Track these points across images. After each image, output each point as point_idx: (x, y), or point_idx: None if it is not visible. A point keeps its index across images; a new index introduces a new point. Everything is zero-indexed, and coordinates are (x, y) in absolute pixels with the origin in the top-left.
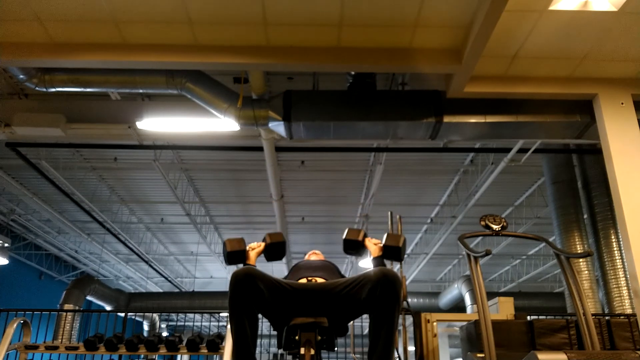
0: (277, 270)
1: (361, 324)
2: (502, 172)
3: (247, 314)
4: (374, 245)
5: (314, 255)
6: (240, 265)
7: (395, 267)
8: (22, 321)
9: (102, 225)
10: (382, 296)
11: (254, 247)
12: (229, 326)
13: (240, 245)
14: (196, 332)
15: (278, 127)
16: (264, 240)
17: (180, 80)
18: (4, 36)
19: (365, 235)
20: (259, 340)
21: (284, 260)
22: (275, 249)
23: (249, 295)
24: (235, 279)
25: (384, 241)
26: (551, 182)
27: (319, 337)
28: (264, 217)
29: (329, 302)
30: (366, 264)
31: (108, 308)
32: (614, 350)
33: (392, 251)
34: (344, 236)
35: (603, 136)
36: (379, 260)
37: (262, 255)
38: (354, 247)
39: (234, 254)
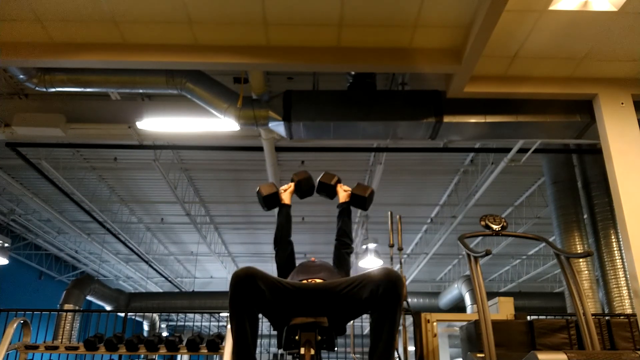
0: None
1: (361, 324)
2: (502, 172)
3: (247, 314)
4: (343, 192)
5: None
6: (240, 267)
7: (396, 267)
8: (22, 321)
9: (102, 225)
10: (384, 296)
11: (286, 189)
12: (229, 326)
13: (273, 189)
14: (196, 332)
15: (278, 127)
16: (292, 180)
17: (180, 80)
18: (4, 36)
19: (338, 181)
20: (259, 340)
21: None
22: (304, 185)
23: (249, 295)
24: (236, 279)
25: (352, 189)
26: (551, 182)
27: (319, 337)
28: (264, 217)
29: (330, 301)
30: (366, 264)
31: (108, 308)
32: (614, 350)
33: (358, 200)
34: (319, 178)
35: (603, 136)
36: (345, 205)
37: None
38: (326, 189)
39: (270, 197)
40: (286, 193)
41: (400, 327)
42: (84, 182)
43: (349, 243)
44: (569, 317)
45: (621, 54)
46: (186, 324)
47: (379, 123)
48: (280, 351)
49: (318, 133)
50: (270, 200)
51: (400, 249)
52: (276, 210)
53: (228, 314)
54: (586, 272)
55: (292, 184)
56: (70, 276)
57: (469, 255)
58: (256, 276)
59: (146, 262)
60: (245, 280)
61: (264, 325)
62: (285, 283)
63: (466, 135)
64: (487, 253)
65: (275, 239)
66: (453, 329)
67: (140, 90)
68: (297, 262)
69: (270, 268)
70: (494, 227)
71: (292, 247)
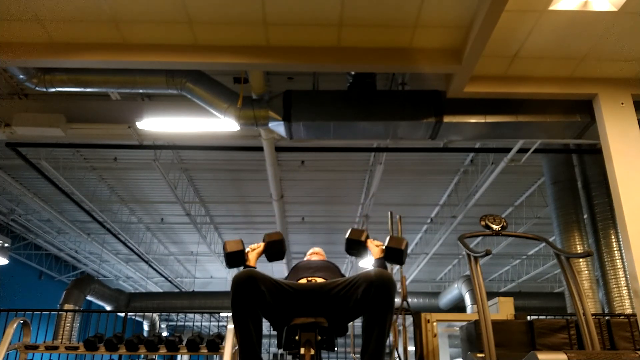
0: (277, 270)
1: (361, 324)
2: (502, 172)
3: (250, 316)
4: (375, 247)
5: (315, 255)
6: (241, 268)
7: (395, 267)
8: (22, 321)
9: (102, 225)
10: (374, 298)
11: (254, 248)
12: (229, 326)
13: (238, 246)
14: (196, 332)
15: (278, 127)
16: (263, 240)
17: (180, 80)
18: (4, 36)
19: (367, 237)
20: None
21: (284, 260)
22: (274, 248)
23: (251, 298)
24: (237, 281)
25: (386, 243)
26: (551, 182)
27: (319, 337)
28: (264, 217)
29: (328, 302)
30: (366, 264)
31: (108, 308)
32: (614, 350)
33: (394, 253)
34: (346, 235)
35: (603, 136)
36: (380, 262)
37: (264, 256)
38: (356, 247)
39: (234, 255)
40: (253, 253)
41: (400, 327)
42: (84, 182)
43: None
44: (569, 317)
45: (621, 54)
46: (186, 324)
47: (379, 123)
48: (280, 351)
49: (318, 133)
50: (235, 259)
51: (403, 263)
52: (276, 213)
53: (231, 317)
54: (586, 272)
55: (261, 244)
56: (70, 276)
57: (469, 255)
58: (257, 278)
59: (146, 262)
60: (246, 283)
61: (264, 326)
62: (285, 284)
63: (466, 135)
64: (487, 253)
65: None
66: (453, 329)
67: (140, 90)
68: (296, 262)
69: (269, 268)
70: (494, 227)
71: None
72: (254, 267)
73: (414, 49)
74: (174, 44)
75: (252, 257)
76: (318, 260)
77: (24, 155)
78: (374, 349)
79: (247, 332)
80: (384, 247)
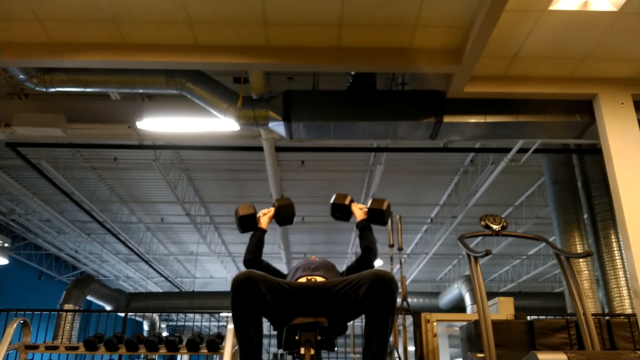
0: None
1: (361, 323)
2: (502, 172)
3: (250, 317)
4: (359, 210)
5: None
6: (240, 268)
7: (396, 267)
8: (22, 321)
9: (102, 225)
10: (376, 298)
11: (265, 213)
12: (229, 326)
13: (250, 210)
14: (196, 332)
15: (278, 127)
16: (273, 205)
17: (180, 80)
18: (4, 36)
19: (352, 200)
20: None
21: (284, 260)
22: (284, 212)
23: (250, 299)
24: (236, 283)
25: (368, 205)
26: (551, 182)
27: (319, 337)
28: None
29: (328, 301)
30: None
31: (108, 308)
32: (614, 350)
33: (377, 214)
34: (331, 200)
35: (603, 136)
36: (364, 223)
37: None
38: (341, 211)
39: (246, 219)
40: (264, 217)
41: (400, 327)
42: (84, 182)
43: (376, 254)
44: (569, 317)
45: (621, 54)
46: (186, 324)
47: (379, 123)
48: (280, 351)
49: (318, 133)
50: (247, 222)
51: (400, 249)
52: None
53: (231, 318)
54: (586, 272)
55: (272, 209)
56: (70, 276)
57: (469, 255)
58: (256, 279)
59: (146, 262)
60: (245, 283)
61: (264, 326)
62: (285, 284)
63: (466, 135)
64: (487, 253)
65: (244, 263)
66: (453, 329)
67: (140, 90)
68: (297, 263)
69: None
70: (494, 227)
71: (265, 262)
72: (266, 230)
73: (414, 49)
74: (174, 44)
75: (263, 221)
76: (317, 260)
77: (24, 155)
78: (377, 350)
79: (248, 333)
80: (367, 210)
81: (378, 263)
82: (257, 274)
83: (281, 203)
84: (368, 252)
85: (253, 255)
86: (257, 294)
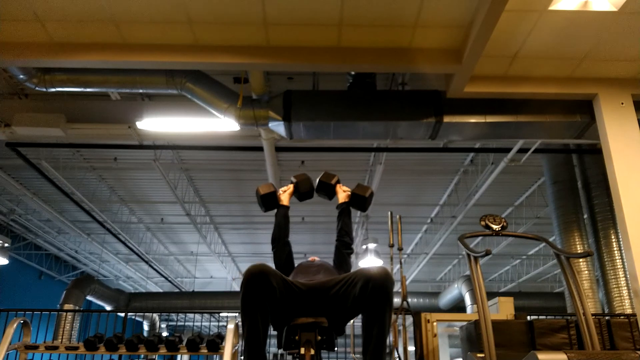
0: None
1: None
2: (502, 172)
3: (260, 311)
4: (343, 192)
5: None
6: (240, 266)
7: (396, 267)
8: (22, 321)
9: (102, 225)
10: (372, 295)
11: (285, 190)
12: (229, 326)
13: (271, 189)
14: (196, 332)
15: (278, 127)
16: (291, 182)
17: (180, 80)
18: (4, 36)
19: (338, 181)
20: None
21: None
22: (304, 187)
23: (262, 292)
24: (250, 275)
25: (352, 189)
26: (551, 182)
27: (319, 337)
28: (264, 217)
29: (328, 300)
30: (366, 264)
31: (108, 308)
32: (614, 350)
33: (358, 200)
34: (319, 177)
35: (603, 136)
36: (344, 206)
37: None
38: (326, 189)
39: (268, 197)
40: (285, 194)
41: (400, 327)
42: (84, 182)
43: (350, 243)
44: (569, 317)
45: (621, 54)
46: (186, 324)
47: (379, 123)
48: (280, 351)
49: (318, 133)
50: (268, 200)
51: (400, 249)
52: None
53: (230, 317)
54: (586, 272)
55: (291, 186)
56: (70, 276)
57: (469, 255)
58: (269, 273)
59: (146, 262)
60: (258, 276)
61: None
62: (293, 283)
63: (466, 135)
64: (487, 253)
65: (273, 239)
66: (453, 329)
67: (140, 90)
68: (296, 262)
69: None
70: (494, 227)
71: (290, 247)
72: (288, 207)
73: (414, 49)
74: (174, 44)
75: (284, 198)
76: (316, 262)
77: (24, 155)
78: (374, 348)
79: (255, 327)
80: (350, 193)
81: (378, 263)
82: (271, 269)
83: (299, 179)
84: (343, 235)
85: (283, 234)
86: (269, 288)
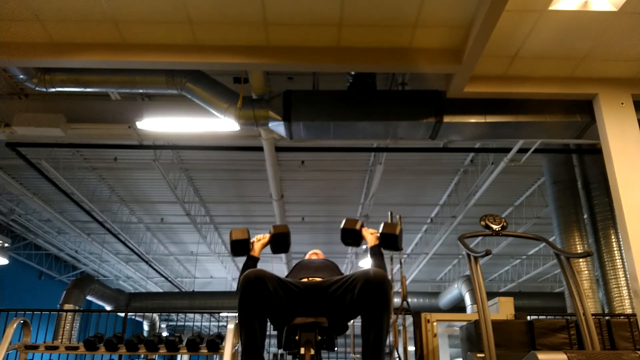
0: (277, 270)
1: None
2: (502, 172)
3: (257, 316)
4: (370, 235)
5: (315, 256)
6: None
7: (396, 267)
8: (22, 321)
9: (102, 225)
10: (370, 297)
11: (260, 239)
12: (229, 326)
13: (244, 235)
14: (196, 332)
15: (278, 127)
16: (269, 232)
17: (180, 80)
18: (4, 36)
19: (362, 225)
20: None
21: (284, 259)
22: (280, 240)
23: (259, 298)
24: (246, 281)
25: (380, 230)
26: (551, 182)
27: (319, 337)
28: (264, 217)
29: (327, 300)
30: (366, 264)
31: (108, 308)
32: (614, 350)
33: (389, 239)
34: (341, 225)
35: (603, 136)
36: (375, 249)
37: (268, 247)
38: (352, 236)
39: (239, 244)
40: (258, 243)
41: (400, 327)
42: (84, 182)
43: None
44: (569, 317)
45: (621, 54)
46: (186, 324)
47: (379, 123)
48: (280, 351)
49: (318, 133)
50: (239, 247)
51: (400, 249)
52: (275, 213)
53: (230, 317)
54: (586, 272)
55: (267, 235)
56: (70, 276)
57: (469, 255)
58: (265, 278)
59: (146, 262)
60: (255, 282)
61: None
62: (291, 284)
63: (466, 135)
64: (487, 253)
65: (238, 290)
66: (453, 329)
67: (140, 90)
68: (295, 262)
69: (269, 268)
70: (494, 227)
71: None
72: (258, 258)
73: (414, 49)
74: (174, 44)
75: (257, 247)
76: (318, 260)
77: (24, 155)
78: (373, 349)
79: (253, 332)
80: (378, 235)
81: None
82: (267, 274)
83: (278, 230)
84: None
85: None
86: (266, 293)
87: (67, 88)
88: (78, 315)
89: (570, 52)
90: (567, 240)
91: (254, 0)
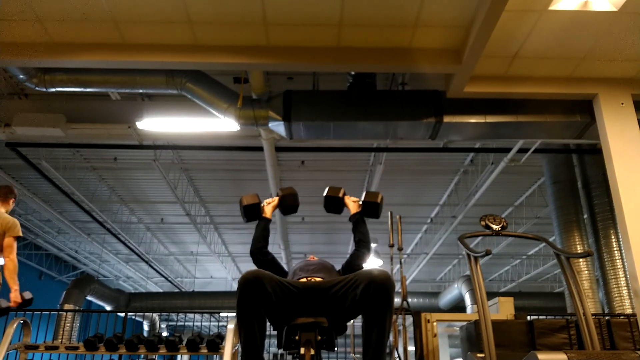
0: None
1: (361, 323)
2: (502, 172)
3: (255, 317)
4: (353, 203)
5: (311, 260)
6: (241, 267)
7: (396, 267)
8: (22, 321)
9: (102, 225)
10: (373, 297)
11: (269, 202)
12: (229, 326)
13: (254, 200)
14: (196, 332)
15: (278, 127)
16: (277, 195)
17: (180, 80)
18: (4, 36)
19: (345, 193)
20: None
21: (284, 259)
22: (288, 201)
23: (257, 299)
24: (244, 282)
25: (362, 198)
26: (551, 182)
27: (319, 337)
28: None
29: (327, 300)
30: (366, 264)
31: (108, 308)
32: (614, 350)
33: (371, 207)
34: (325, 193)
35: (603, 136)
36: (357, 216)
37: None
38: (334, 203)
39: (250, 208)
40: (269, 206)
41: (400, 327)
42: (84, 182)
43: (369, 248)
44: (569, 317)
45: (621, 54)
46: (186, 324)
47: (379, 123)
48: (280, 351)
49: (318, 133)
50: (251, 211)
51: (400, 249)
52: (276, 213)
53: (230, 317)
54: (586, 272)
55: (276, 198)
56: (70, 276)
57: (469, 255)
58: (263, 279)
59: (146, 262)
60: (254, 283)
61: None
62: (289, 284)
63: (466, 135)
64: (487, 253)
65: (252, 251)
66: (453, 329)
67: (140, 90)
68: (296, 263)
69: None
70: (494, 227)
71: (271, 255)
72: (270, 219)
73: (414, 49)
74: (174, 44)
75: (267, 210)
76: (314, 261)
77: (24, 155)
78: (375, 350)
79: (252, 333)
80: (360, 202)
81: (378, 263)
82: (265, 274)
83: (285, 192)
84: (362, 245)
85: (260, 245)
86: (264, 294)
87: (67, 88)
88: (78, 315)
89: (570, 52)
90: (567, 240)
91: (254, 0)
